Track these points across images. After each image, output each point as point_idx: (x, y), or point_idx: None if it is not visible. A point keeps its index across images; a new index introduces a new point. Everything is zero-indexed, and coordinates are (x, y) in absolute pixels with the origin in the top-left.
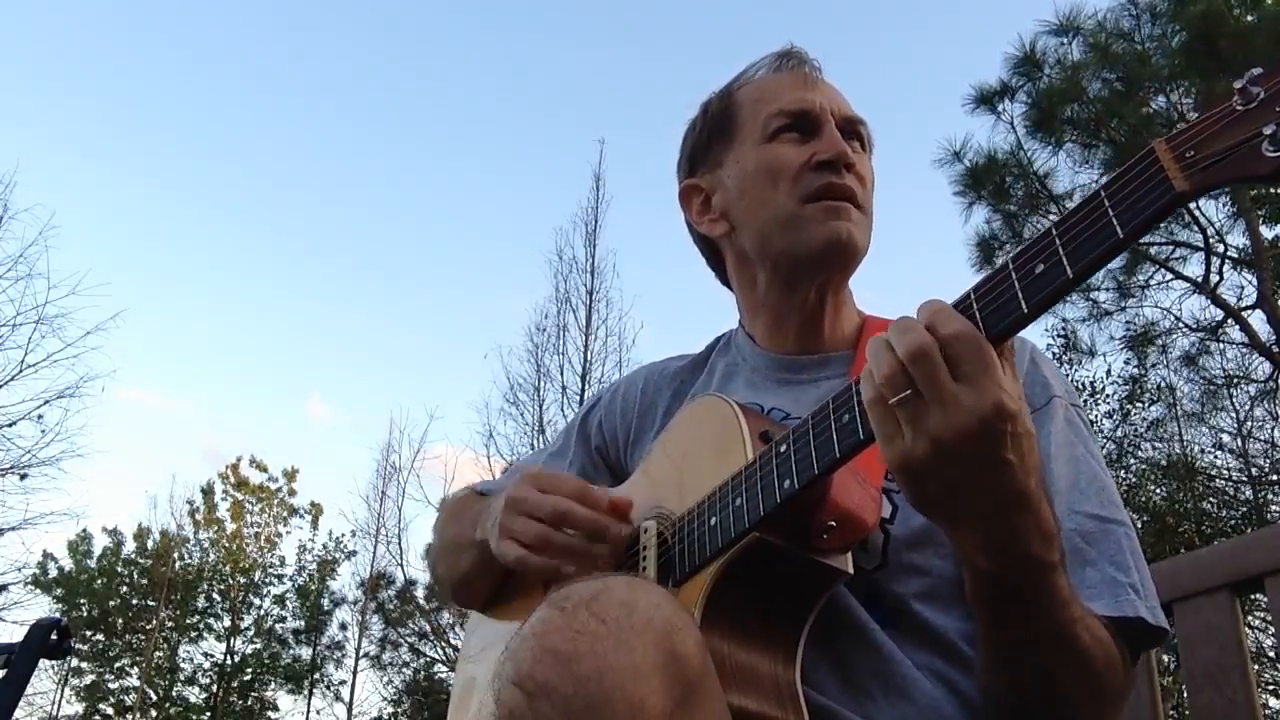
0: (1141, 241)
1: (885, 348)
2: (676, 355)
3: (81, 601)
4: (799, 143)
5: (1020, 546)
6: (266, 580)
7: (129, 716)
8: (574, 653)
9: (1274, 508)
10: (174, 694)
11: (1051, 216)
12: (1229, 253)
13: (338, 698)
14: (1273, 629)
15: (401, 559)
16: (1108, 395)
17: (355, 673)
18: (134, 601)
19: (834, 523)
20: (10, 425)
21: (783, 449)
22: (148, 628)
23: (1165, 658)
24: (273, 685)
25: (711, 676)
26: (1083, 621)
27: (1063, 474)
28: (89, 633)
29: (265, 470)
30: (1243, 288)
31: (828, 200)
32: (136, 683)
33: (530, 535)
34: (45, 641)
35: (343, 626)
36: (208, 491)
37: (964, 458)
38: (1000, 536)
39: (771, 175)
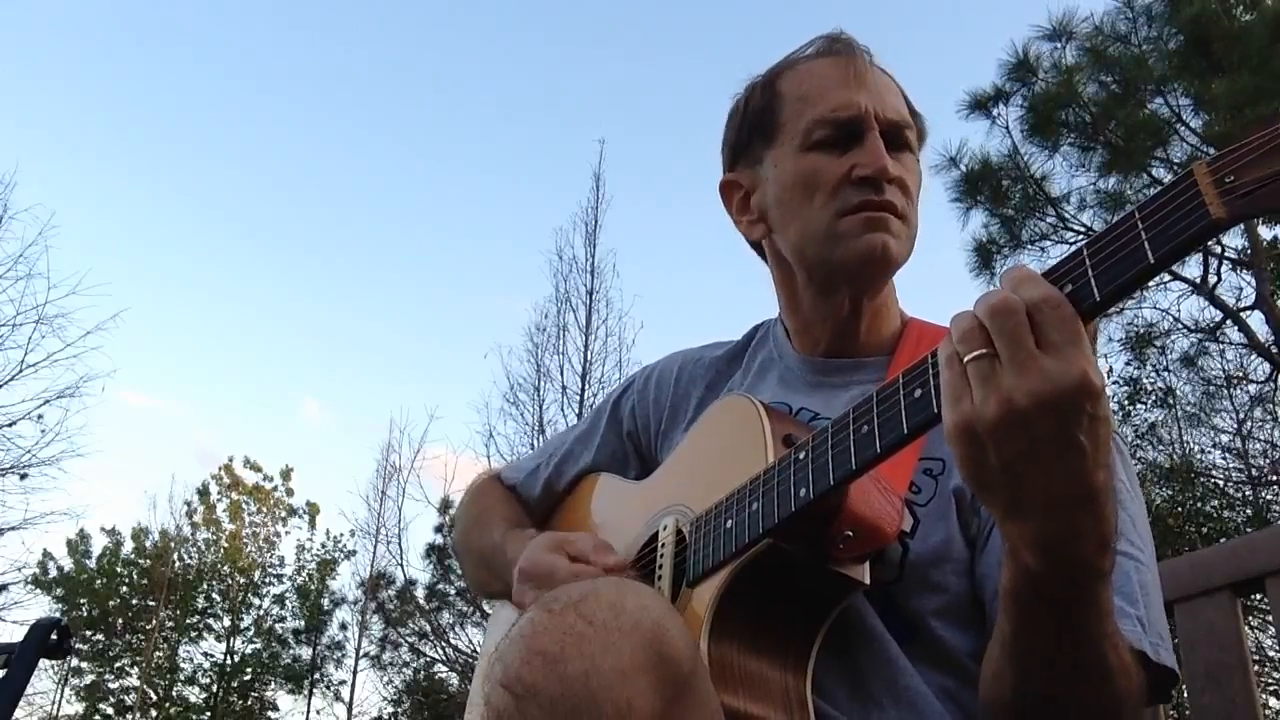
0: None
1: (967, 311)
2: (714, 343)
3: (81, 601)
4: (839, 153)
5: (1074, 548)
6: (266, 580)
7: (129, 716)
8: (561, 654)
9: (1275, 508)
10: (174, 694)
11: (1049, 219)
12: (1227, 253)
13: (338, 698)
14: (1273, 629)
15: (401, 559)
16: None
17: (355, 673)
18: (134, 601)
19: (851, 532)
20: (10, 425)
21: (801, 456)
22: (148, 628)
23: None
24: (273, 685)
25: (703, 678)
26: (1113, 639)
27: None
28: (89, 633)
29: (259, 470)
30: (1241, 288)
31: (866, 212)
32: (136, 683)
33: None
34: (45, 641)
35: (343, 626)
36: (204, 492)
37: (1033, 429)
38: (1055, 532)
39: (808, 187)
